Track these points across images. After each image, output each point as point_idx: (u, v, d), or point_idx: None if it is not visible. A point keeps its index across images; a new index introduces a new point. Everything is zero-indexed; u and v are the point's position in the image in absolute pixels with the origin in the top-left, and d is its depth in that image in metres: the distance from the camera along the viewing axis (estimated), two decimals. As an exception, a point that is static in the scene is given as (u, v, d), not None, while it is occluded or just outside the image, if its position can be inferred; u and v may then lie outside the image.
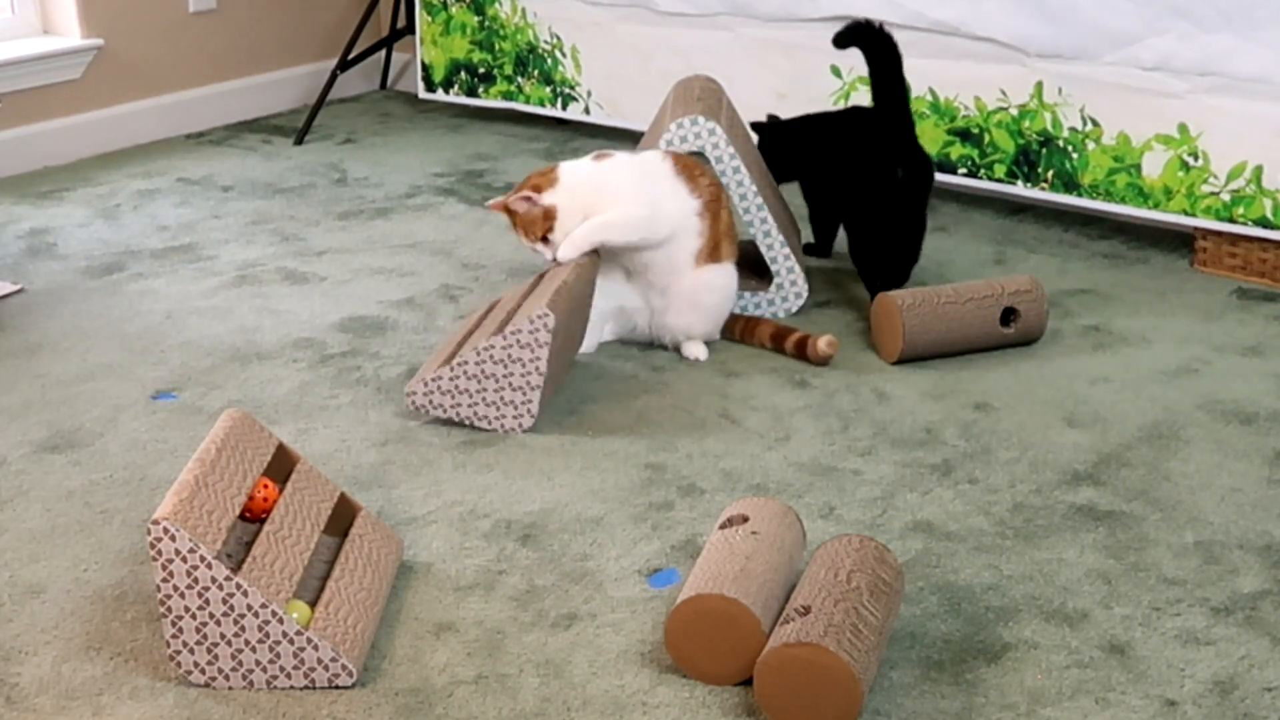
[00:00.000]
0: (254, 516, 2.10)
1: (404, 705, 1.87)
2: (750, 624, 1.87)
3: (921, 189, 3.05)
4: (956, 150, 3.57)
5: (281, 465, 2.12)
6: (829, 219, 3.34)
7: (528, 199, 2.73)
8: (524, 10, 4.18)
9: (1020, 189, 3.53)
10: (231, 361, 2.84)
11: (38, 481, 2.41)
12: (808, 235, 3.40)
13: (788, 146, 3.20)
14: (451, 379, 2.56)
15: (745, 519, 2.05)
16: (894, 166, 2.98)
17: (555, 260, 2.73)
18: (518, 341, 2.50)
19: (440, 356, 2.65)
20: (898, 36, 3.55)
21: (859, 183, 3.03)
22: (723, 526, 2.06)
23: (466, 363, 2.54)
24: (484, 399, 2.55)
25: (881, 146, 3.01)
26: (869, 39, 3.04)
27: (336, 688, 1.90)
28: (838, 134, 3.14)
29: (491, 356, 2.52)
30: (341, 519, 2.13)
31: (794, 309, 3.05)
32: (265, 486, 2.10)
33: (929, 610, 2.07)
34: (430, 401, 2.58)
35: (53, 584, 2.13)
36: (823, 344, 2.81)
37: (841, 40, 3.08)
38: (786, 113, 3.29)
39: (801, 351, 2.84)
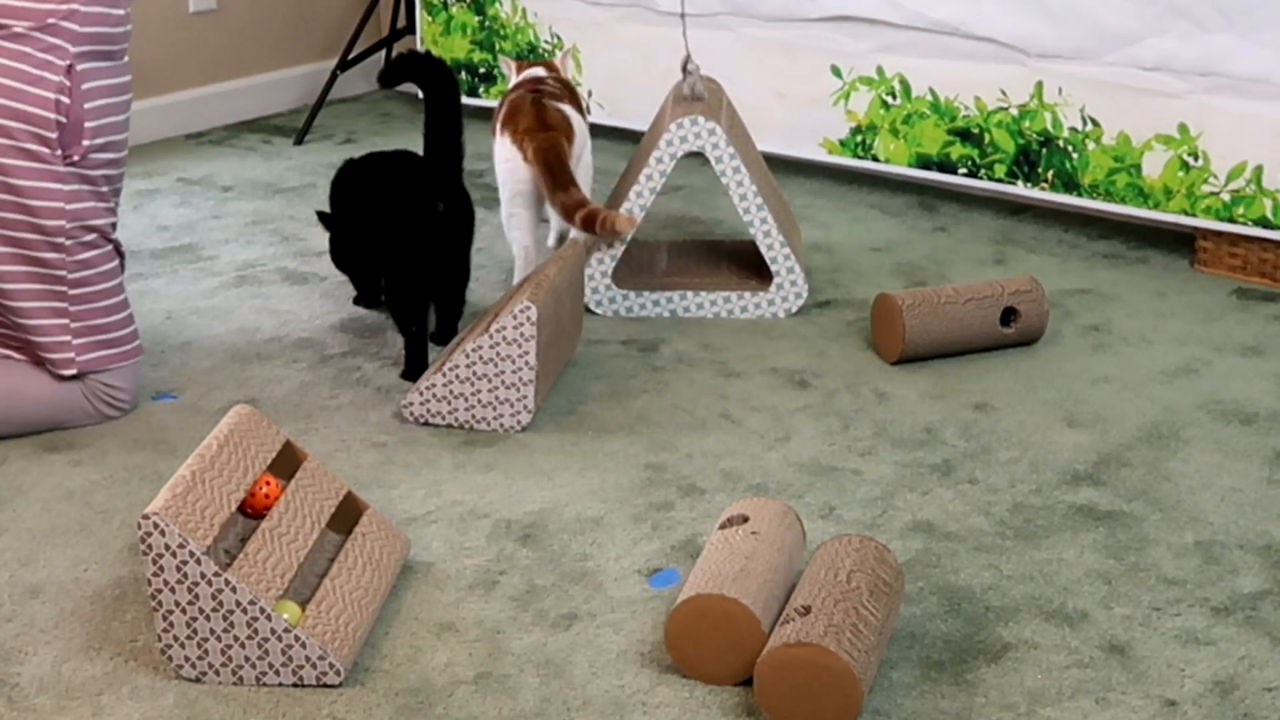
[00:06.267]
0: (256, 513, 2.10)
1: (404, 705, 1.87)
2: (750, 624, 1.87)
3: (462, 230, 2.79)
4: (956, 150, 3.57)
5: (289, 463, 2.12)
6: (370, 265, 2.98)
7: None
8: (524, 10, 4.18)
9: (1020, 189, 3.53)
10: (231, 361, 2.84)
11: (38, 481, 2.41)
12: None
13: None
14: (445, 385, 2.56)
15: (745, 519, 2.05)
16: (434, 202, 2.70)
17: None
18: (504, 339, 2.51)
19: (434, 366, 2.65)
20: (897, 36, 3.58)
21: (396, 220, 2.73)
22: (723, 526, 2.06)
23: (457, 367, 2.54)
24: (479, 400, 2.55)
25: (421, 182, 2.73)
26: (423, 71, 2.72)
27: (327, 686, 1.90)
28: (377, 174, 2.87)
29: (480, 357, 2.53)
30: (349, 518, 2.13)
31: (794, 309, 3.05)
32: (268, 484, 2.10)
33: (929, 610, 2.07)
34: (427, 410, 2.58)
35: (52, 584, 2.13)
36: (621, 222, 2.93)
37: (388, 78, 2.80)
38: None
39: (591, 226, 2.92)
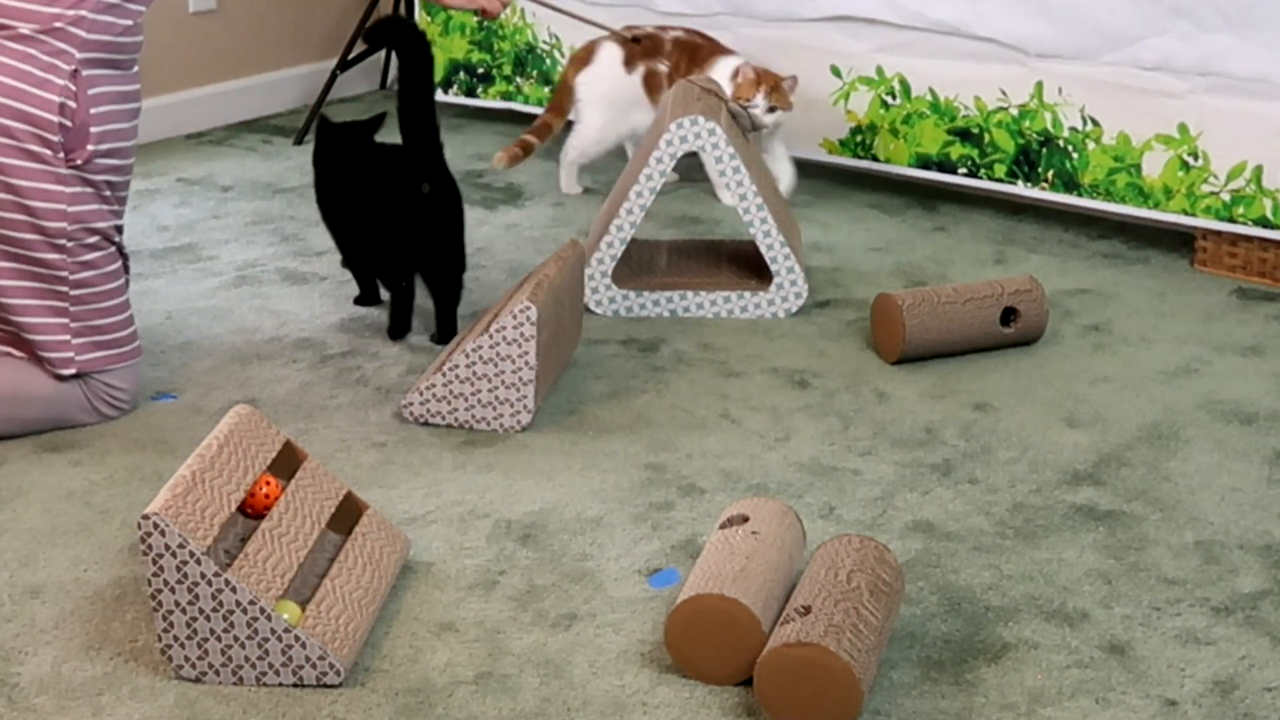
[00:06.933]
0: (256, 513, 2.10)
1: (404, 705, 1.87)
2: (750, 624, 1.87)
3: (452, 209, 2.83)
4: (956, 150, 3.57)
5: (289, 463, 2.12)
6: (363, 258, 3.02)
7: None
8: (523, 11, 4.18)
9: (1020, 189, 3.53)
10: (231, 361, 2.84)
11: (38, 481, 2.41)
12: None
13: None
14: (445, 385, 2.56)
15: (745, 519, 2.05)
16: (419, 182, 2.75)
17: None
18: (504, 339, 2.51)
19: (434, 366, 2.66)
20: (897, 36, 3.58)
21: (384, 206, 2.80)
22: (723, 526, 2.06)
23: (457, 367, 2.54)
24: (479, 400, 2.55)
25: (405, 163, 2.79)
26: (400, 38, 2.77)
27: (326, 686, 1.90)
28: (365, 159, 2.88)
29: (480, 357, 2.53)
30: (349, 518, 2.13)
31: (794, 309, 3.05)
32: (268, 484, 2.10)
33: (929, 610, 2.07)
34: (427, 410, 2.58)
35: (52, 584, 2.13)
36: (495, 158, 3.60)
37: (373, 37, 2.90)
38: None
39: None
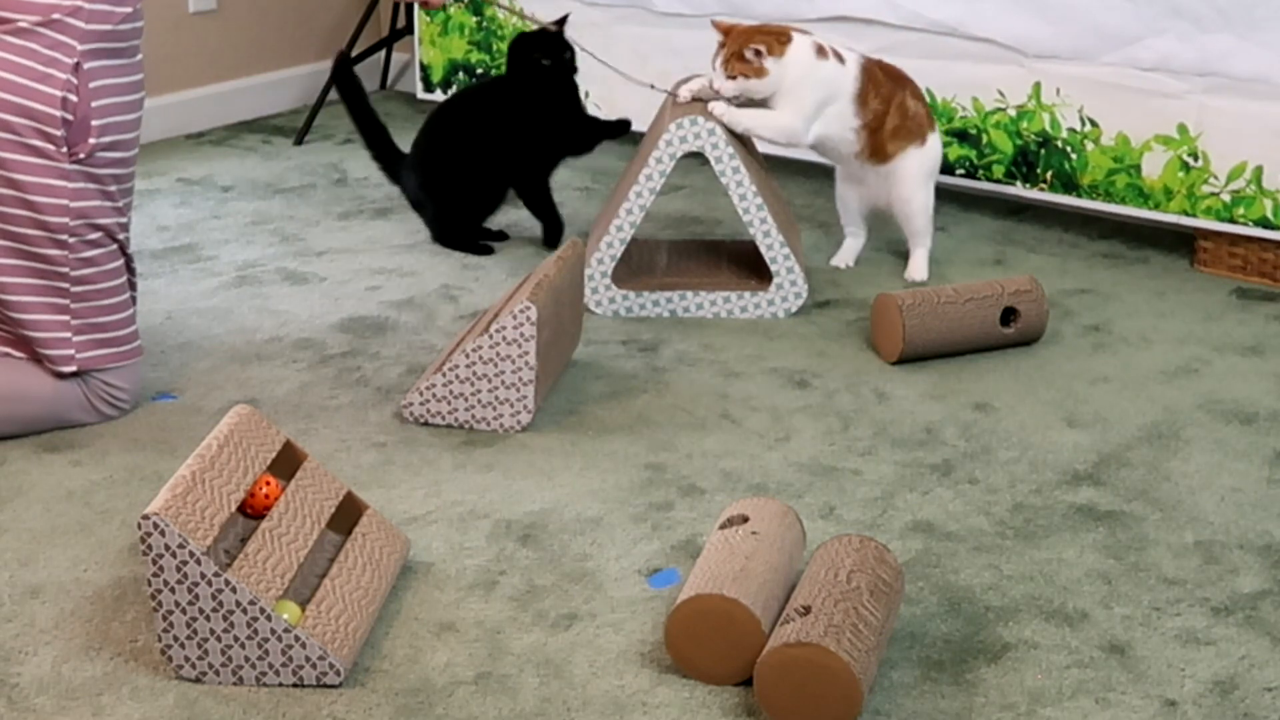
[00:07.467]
0: (256, 513, 2.10)
1: (404, 705, 1.87)
2: (750, 624, 1.87)
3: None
4: (954, 151, 3.57)
5: (289, 463, 2.12)
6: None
7: (758, 53, 3.02)
8: (522, 10, 4.17)
9: (1020, 189, 3.53)
10: (231, 362, 2.84)
11: (38, 481, 2.41)
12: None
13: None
14: (445, 385, 2.56)
15: (745, 519, 2.05)
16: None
17: (716, 95, 3.07)
18: (504, 339, 2.51)
19: (434, 366, 2.66)
20: (895, 37, 3.58)
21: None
22: (723, 526, 2.06)
23: (457, 367, 2.54)
24: (479, 400, 2.55)
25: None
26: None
27: (326, 686, 1.90)
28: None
29: (480, 357, 2.53)
30: (349, 518, 2.13)
31: (794, 309, 3.06)
32: (268, 484, 2.10)
33: (929, 610, 2.07)
34: (427, 410, 2.58)
35: (52, 584, 2.13)
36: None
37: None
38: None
39: None
